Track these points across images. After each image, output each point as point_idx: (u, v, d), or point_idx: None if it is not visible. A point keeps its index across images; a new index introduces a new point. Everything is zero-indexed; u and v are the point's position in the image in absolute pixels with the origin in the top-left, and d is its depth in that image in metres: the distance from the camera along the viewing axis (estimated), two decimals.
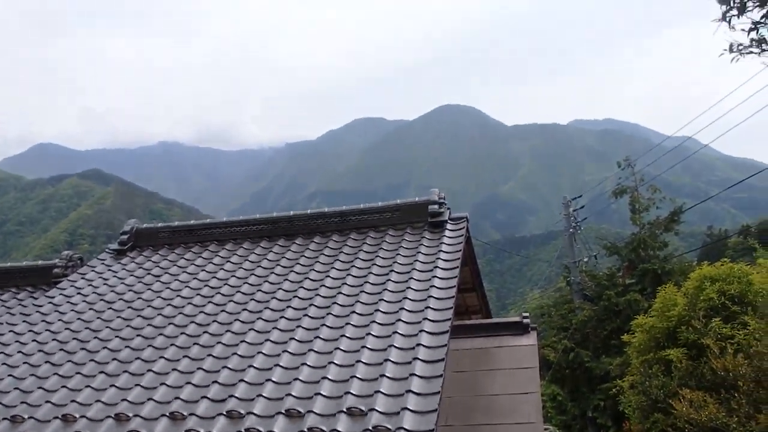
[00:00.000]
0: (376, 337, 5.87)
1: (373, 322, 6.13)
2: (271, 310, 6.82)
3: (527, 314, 8.23)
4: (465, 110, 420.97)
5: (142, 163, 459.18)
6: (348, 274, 7.35)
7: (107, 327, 6.96)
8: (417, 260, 7.34)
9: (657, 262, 20.72)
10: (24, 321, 7.30)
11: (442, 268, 7.06)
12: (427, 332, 5.80)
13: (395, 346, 5.63)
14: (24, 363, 6.36)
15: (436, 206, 8.35)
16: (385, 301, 6.53)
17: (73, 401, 5.54)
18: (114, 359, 6.22)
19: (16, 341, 6.85)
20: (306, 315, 6.53)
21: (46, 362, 6.33)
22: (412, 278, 6.90)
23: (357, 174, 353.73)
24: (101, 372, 6.00)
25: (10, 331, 7.09)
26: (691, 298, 11.13)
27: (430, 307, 6.21)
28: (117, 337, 6.69)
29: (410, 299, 6.46)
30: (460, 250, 7.57)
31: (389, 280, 6.98)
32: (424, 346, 5.57)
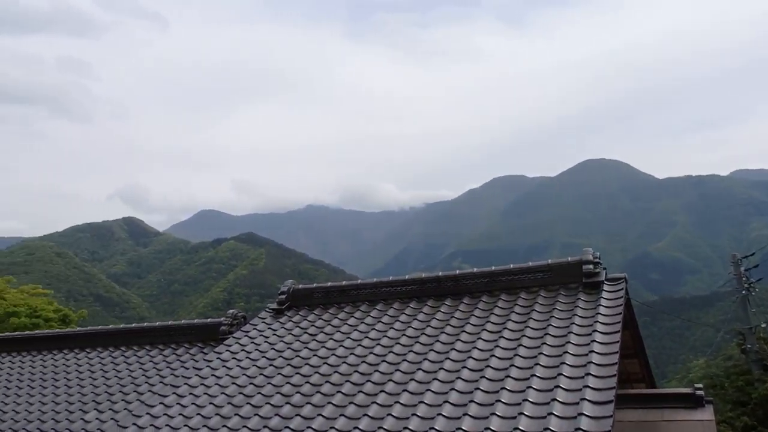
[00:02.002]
0: (534, 404, 5.65)
1: (530, 387, 5.91)
2: (424, 371, 6.80)
3: (700, 385, 7.52)
4: (611, 165, 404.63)
5: (291, 226, 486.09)
6: (500, 337, 7.19)
7: (269, 383, 7.31)
8: (573, 323, 7.04)
9: None
10: (196, 375, 7.86)
11: (601, 332, 6.71)
12: (589, 401, 5.49)
13: (555, 415, 5.37)
14: (197, 414, 6.82)
15: (590, 266, 8.02)
16: (542, 366, 6.29)
17: None
18: (276, 414, 6.49)
19: (191, 393, 7.38)
20: (459, 378, 6.44)
21: (216, 414, 6.74)
22: (569, 342, 6.62)
23: (497, 233, 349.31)
24: (265, 426, 6.28)
25: (185, 383, 7.65)
26: None
27: (591, 374, 5.89)
28: (278, 393, 7.00)
29: (569, 365, 6.17)
30: (620, 313, 7.17)
31: (545, 344, 6.74)
32: (587, 416, 5.27)
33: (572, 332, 6.83)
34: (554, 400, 5.59)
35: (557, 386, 5.79)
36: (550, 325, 7.15)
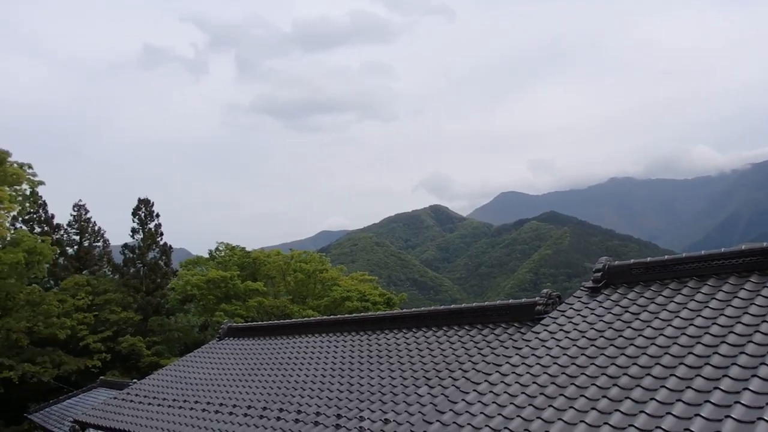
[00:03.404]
0: None
1: None
2: None
3: None
4: None
5: (594, 202, 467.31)
6: None
7: (592, 364, 7.06)
8: None
9: None
10: (516, 354, 7.97)
11: None
12: None
13: None
14: (522, 393, 6.90)
15: None
16: None
17: None
18: (603, 396, 6.23)
19: (513, 372, 7.51)
20: None
21: (540, 394, 6.74)
22: None
23: None
24: (593, 408, 6.07)
25: (506, 362, 7.82)
26: None
27: None
28: (603, 374, 6.71)
29: None
30: None
31: None
32: None
33: None
34: None
35: None
36: None
